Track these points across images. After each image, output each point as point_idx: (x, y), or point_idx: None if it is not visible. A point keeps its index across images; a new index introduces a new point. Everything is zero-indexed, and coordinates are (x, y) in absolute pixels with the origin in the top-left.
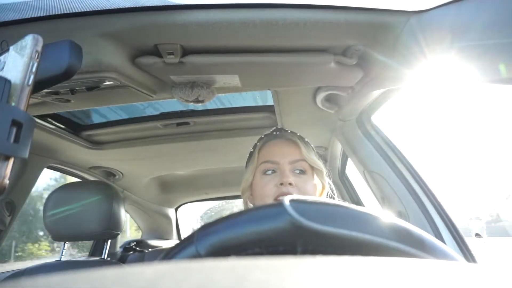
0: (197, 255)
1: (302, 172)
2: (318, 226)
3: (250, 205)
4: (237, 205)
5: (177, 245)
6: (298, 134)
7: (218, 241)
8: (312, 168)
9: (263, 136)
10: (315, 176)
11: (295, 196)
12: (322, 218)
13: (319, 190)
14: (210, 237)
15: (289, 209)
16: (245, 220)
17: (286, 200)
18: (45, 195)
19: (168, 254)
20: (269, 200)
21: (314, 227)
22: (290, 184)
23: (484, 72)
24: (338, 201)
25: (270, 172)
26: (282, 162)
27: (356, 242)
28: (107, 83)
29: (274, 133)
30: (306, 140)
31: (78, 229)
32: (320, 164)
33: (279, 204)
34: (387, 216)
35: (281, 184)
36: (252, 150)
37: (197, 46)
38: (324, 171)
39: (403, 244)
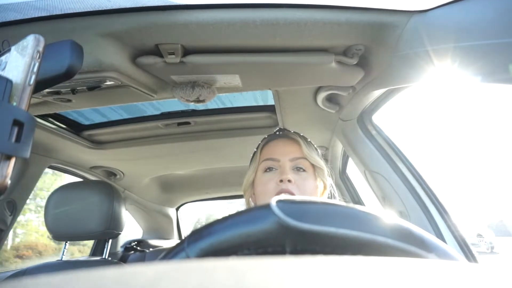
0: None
1: (303, 170)
2: (305, 226)
3: (252, 203)
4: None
5: (168, 251)
6: (301, 134)
7: (207, 246)
8: (313, 166)
9: (266, 137)
10: (316, 175)
11: (283, 197)
12: (309, 217)
13: (321, 189)
14: (200, 242)
15: (276, 210)
16: (233, 223)
17: (273, 201)
18: None
19: (161, 260)
20: (270, 198)
21: (301, 226)
22: (289, 181)
23: (486, 72)
24: (326, 199)
25: (270, 169)
26: (282, 160)
27: (344, 239)
28: (108, 83)
29: (277, 133)
30: (308, 140)
31: (79, 228)
32: (321, 162)
33: (266, 206)
34: (375, 212)
35: (281, 181)
36: (255, 150)
37: (198, 46)
38: (325, 170)
39: (392, 239)
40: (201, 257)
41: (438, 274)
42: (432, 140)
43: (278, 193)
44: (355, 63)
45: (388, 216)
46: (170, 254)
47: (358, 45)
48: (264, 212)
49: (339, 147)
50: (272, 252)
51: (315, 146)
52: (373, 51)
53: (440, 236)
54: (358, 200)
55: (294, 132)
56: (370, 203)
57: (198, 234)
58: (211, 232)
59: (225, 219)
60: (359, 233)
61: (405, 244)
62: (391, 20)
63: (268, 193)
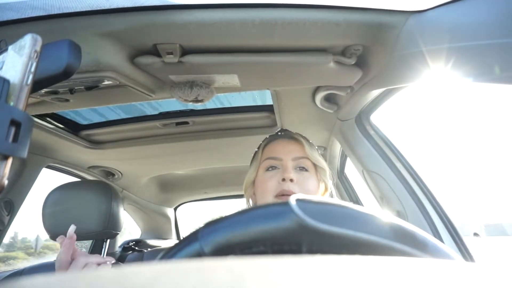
0: (201, 252)
1: (305, 169)
2: (324, 226)
3: (251, 203)
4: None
5: (181, 241)
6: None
7: (223, 238)
8: (315, 166)
9: (268, 137)
10: (317, 175)
11: (301, 196)
12: (328, 218)
13: (322, 190)
14: (215, 234)
15: (295, 208)
16: (251, 218)
17: (292, 199)
18: None
19: (171, 250)
20: (270, 196)
21: (320, 227)
22: (291, 180)
23: (483, 72)
24: (343, 201)
25: (272, 168)
26: (285, 159)
27: (361, 243)
28: (106, 82)
29: (279, 133)
30: (310, 141)
31: (77, 228)
32: (323, 163)
33: (285, 203)
34: (392, 218)
35: (283, 180)
36: (257, 150)
37: (196, 46)
38: (327, 170)
39: (407, 246)
40: (215, 250)
41: (436, 273)
42: (430, 140)
43: (279, 193)
44: (353, 63)
45: (405, 223)
46: (180, 245)
47: (356, 45)
48: (283, 209)
49: (337, 147)
50: (288, 250)
51: (316, 147)
52: (371, 51)
53: (437, 235)
54: (356, 200)
55: (296, 133)
56: (368, 203)
57: (212, 226)
58: (226, 224)
59: (241, 212)
60: (376, 238)
61: (419, 251)
62: (389, 20)
63: (269, 192)
